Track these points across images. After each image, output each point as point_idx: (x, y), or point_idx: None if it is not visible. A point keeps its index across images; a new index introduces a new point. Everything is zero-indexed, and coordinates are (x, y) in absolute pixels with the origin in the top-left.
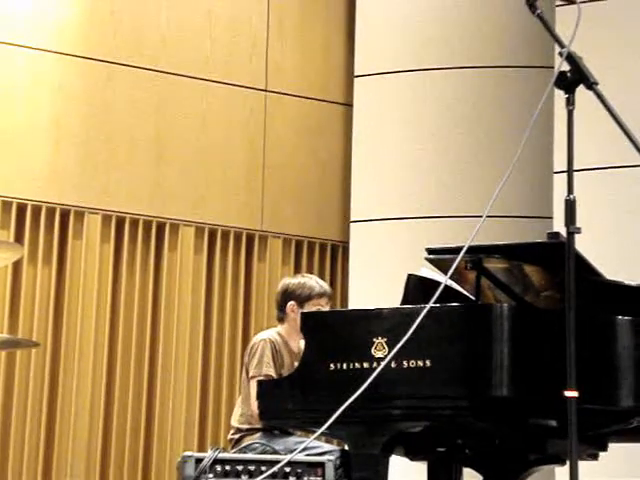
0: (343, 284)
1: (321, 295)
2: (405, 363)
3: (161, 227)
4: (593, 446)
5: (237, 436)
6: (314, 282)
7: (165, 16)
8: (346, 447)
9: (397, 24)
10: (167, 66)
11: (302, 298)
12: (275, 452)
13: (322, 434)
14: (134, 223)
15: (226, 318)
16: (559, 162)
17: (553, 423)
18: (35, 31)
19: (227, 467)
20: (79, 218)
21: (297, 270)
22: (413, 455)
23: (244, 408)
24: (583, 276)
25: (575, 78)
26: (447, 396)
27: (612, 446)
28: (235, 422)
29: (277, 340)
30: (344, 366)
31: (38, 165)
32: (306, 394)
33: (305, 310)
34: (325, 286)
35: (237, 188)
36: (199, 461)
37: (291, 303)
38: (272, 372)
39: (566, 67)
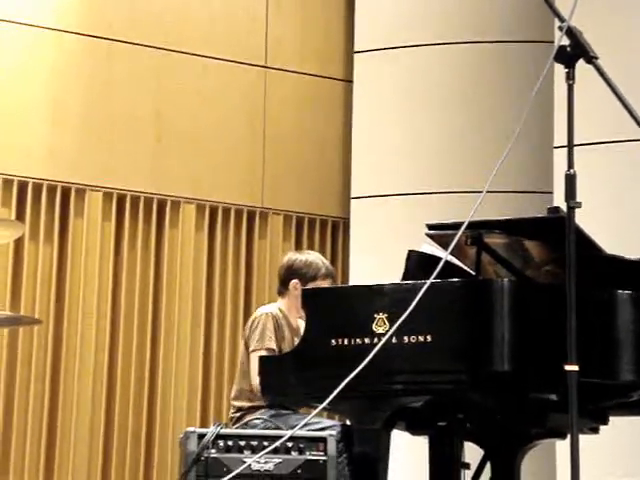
0: (344, 260)
1: (326, 276)
2: (406, 338)
3: (162, 205)
4: (594, 420)
5: (238, 414)
6: (320, 262)
7: None
8: (348, 422)
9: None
10: (166, 43)
11: (307, 277)
12: (277, 428)
13: (324, 409)
14: (135, 201)
15: (227, 295)
16: (559, 137)
17: (554, 397)
18: (33, 8)
19: (229, 442)
20: (80, 196)
21: (298, 247)
22: (414, 430)
23: (243, 384)
24: (583, 251)
25: (575, 52)
26: (448, 371)
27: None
28: (235, 400)
29: (279, 315)
30: (345, 342)
31: (39, 143)
32: (308, 370)
33: None
34: (330, 267)
35: (237, 165)
36: (202, 437)
37: (295, 281)
38: (274, 345)
39: (566, 41)
